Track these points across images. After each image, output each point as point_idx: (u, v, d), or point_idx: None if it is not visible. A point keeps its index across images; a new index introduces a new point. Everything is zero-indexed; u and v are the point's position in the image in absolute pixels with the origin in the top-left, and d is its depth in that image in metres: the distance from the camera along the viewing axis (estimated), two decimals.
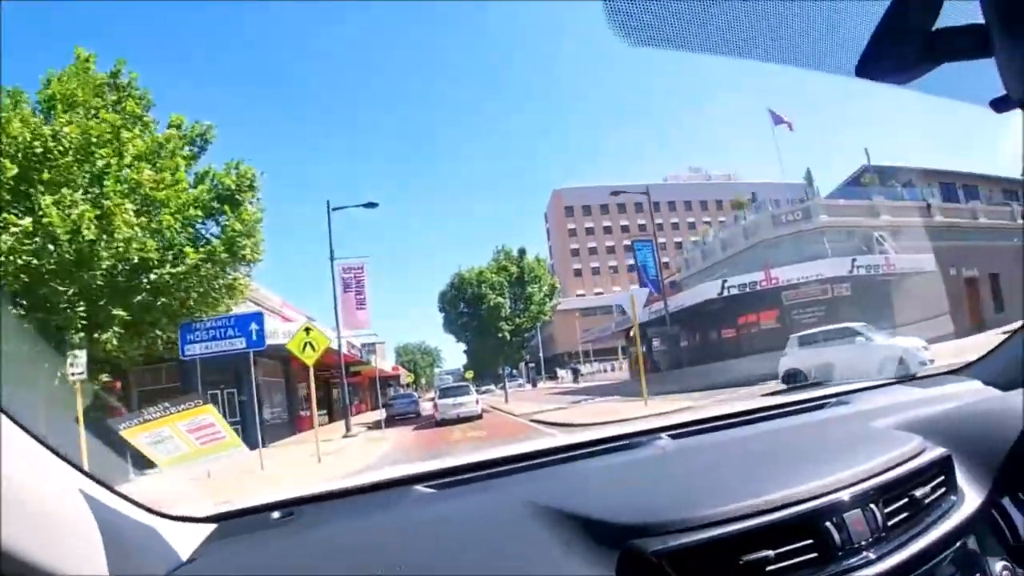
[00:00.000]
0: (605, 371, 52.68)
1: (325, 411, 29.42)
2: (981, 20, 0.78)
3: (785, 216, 27.12)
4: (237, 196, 12.50)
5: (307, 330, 13.92)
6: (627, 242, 27.01)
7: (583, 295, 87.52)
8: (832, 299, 24.72)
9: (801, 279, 23.58)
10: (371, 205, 23.19)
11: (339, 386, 36.40)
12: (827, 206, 26.88)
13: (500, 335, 27.38)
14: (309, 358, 13.39)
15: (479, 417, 19.54)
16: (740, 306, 24.97)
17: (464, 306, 29.63)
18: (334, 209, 22.18)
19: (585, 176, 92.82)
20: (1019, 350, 1.82)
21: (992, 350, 1.95)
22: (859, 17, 0.90)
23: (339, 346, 21.22)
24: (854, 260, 24.10)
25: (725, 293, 25.02)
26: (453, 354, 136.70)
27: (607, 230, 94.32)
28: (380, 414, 25.75)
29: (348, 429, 20.63)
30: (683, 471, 1.43)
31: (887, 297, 26.04)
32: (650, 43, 0.94)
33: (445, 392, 22.01)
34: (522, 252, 29.78)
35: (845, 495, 1.20)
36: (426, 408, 27.38)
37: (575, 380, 49.85)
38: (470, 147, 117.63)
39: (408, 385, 50.09)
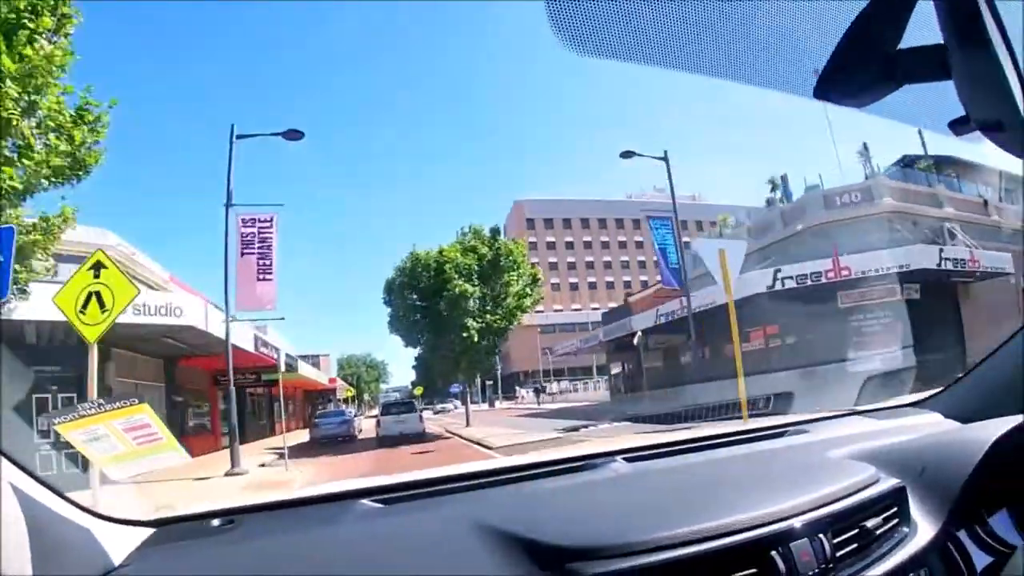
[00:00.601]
0: (573, 391, 45.76)
1: (226, 431, 21.73)
2: (941, 41, 0.77)
3: (840, 197, 20.98)
4: None
5: (96, 268, 6.34)
6: (643, 215, 19.24)
7: (541, 311, 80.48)
8: (896, 303, 18.43)
9: (878, 270, 17.19)
10: (293, 135, 15.92)
11: (250, 397, 28.89)
12: (892, 188, 20.87)
13: (465, 335, 20.14)
14: (91, 327, 6.88)
15: (422, 435, 19.12)
16: (776, 308, 18.37)
17: (418, 297, 22.15)
18: (239, 137, 15.62)
19: (544, 190, 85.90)
20: (980, 383, 1.82)
21: (953, 382, 1.94)
22: (818, 37, 0.89)
23: (226, 333, 13.82)
24: (941, 250, 17.92)
25: (778, 286, 18.38)
26: (402, 368, 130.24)
27: (569, 245, 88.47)
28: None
29: (234, 464, 13.16)
30: (635, 495, 1.41)
31: (955, 304, 20.17)
32: (596, 54, 0.90)
33: (388, 408, 21.22)
34: (495, 232, 22.73)
35: (794, 523, 1.18)
36: (369, 428, 25.12)
37: (538, 400, 44.52)
38: (429, 153, 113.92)
39: (347, 401, 42.22)
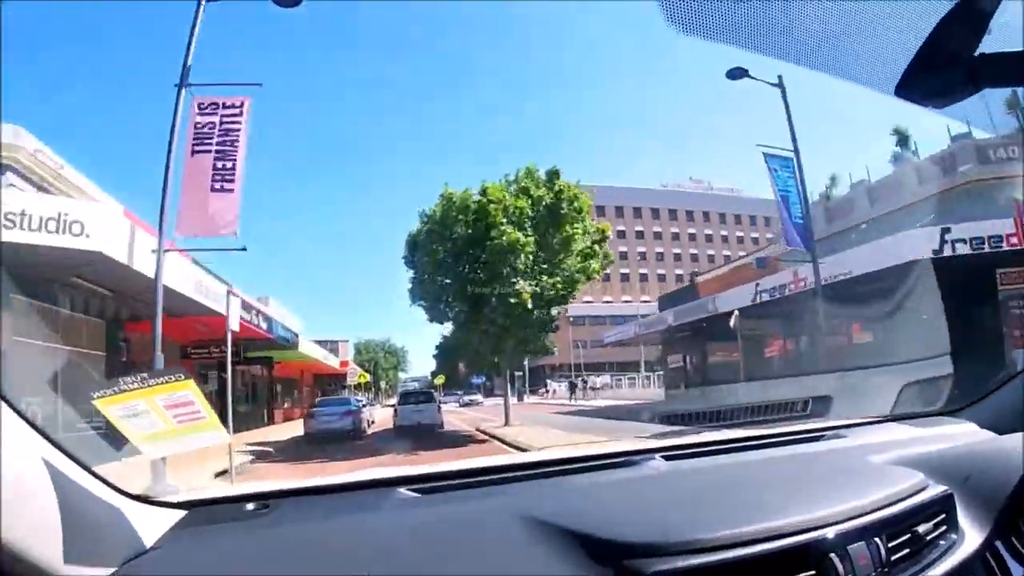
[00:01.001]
0: (615, 386, 41.42)
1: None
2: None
3: (995, 151, 16.95)
4: None
5: None
6: (759, 150, 12.96)
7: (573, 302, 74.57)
8: None
9: None
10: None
11: (241, 379, 23.90)
12: None
13: (514, 301, 14.61)
14: None
15: (440, 427, 18.06)
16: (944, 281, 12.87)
17: (450, 252, 16.57)
18: None
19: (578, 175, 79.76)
20: (1015, 394, 1.82)
21: (988, 393, 1.94)
22: (904, 37, 0.90)
23: (157, 264, 8.34)
24: None
25: (947, 251, 13.44)
26: (422, 356, 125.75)
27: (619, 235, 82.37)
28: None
29: (157, 478, 7.41)
30: (679, 493, 1.40)
31: None
32: (699, 33, 0.93)
33: (406, 397, 20.28)
34: (554, 173, 17.10)
35: (849, 527, 1.18)
36: (384, 419, 23.23)
37: (571, 396, 39.17)
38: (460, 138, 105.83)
39: (356, 388, 37.15)
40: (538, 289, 15.10)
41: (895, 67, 0.87)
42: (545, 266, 15.75)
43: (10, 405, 0.90)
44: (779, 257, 22.20)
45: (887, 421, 2.07)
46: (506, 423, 17.56)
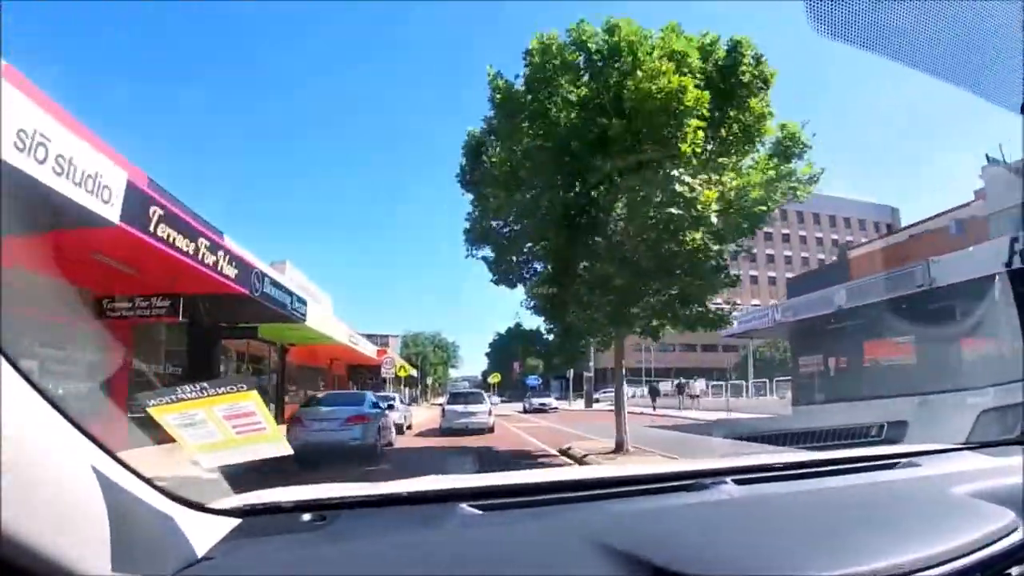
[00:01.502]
0: (710, 395, 33.51)
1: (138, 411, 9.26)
2: None
3: None
4: None
5: None
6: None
7: None
8: None
9: None
10: None
11: (238, 361, 17.29)
12: None
13: (676, 211, 6.84)
14: None
15: (491, 430, 16.78)
16: None
17: (550, 135, 9.06)
18: None
19: None
20: None
21: None
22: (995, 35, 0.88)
23: None
24: None
25: None
26: (474, 354, 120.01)
27: None
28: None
29: None
30: (751, 522, 1.32)
31: None
32: (845, 39, 0.93)
33: (455, 397, 18.77)
34: (738, 45, 9.26)
35: (946, 571, 1.12)
36: (424, 421, 21.63)
37: (654, 403, 30.93)
38: None
39: (397, 382, 30.68)
40: (718, 196, 7.53)
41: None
42: (723, 170, 8.21)
43: (62, 413, 0.89)
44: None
45: (962, 449, 1.97)
46: (622, 448, 10.17)
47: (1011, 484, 1.49)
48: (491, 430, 16.81)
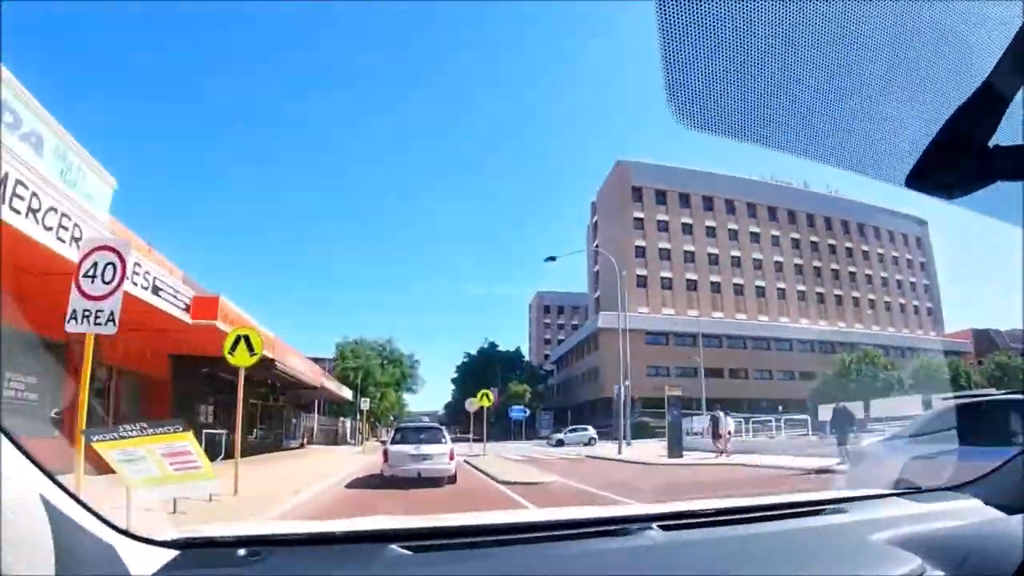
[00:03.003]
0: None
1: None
2: None
3: None
4: None
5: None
6: None
7: (644, 311, 55.90)
8: None
9: None
10: None
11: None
12: None
13: None
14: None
15: (452, 481, 12.99)
16: None
17: None
18: None
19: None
20: (1021, 472, 1.78)
21: (994, 469, 1.89)
22: (917, 128, 0.92)
23: None
24: None
25: None
26: (439, 376, 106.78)
27: (687, 229, 62.88)
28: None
29: None
30: (677, 569, 1.40)
31: None
32: (705, 129, 0.98)
33: (404, 434, 13.93)
34: None
35: None
36: (359, 469, 16.86)
37: (718, 446, 22.79)
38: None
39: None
40: None
41: (907, 158, 0.90)
42: None
43: (10, 439, 0.94)
44: None
45: (890, 495, 2.05)
46: None
47: (927, 530, 1.60)
48: (452, 479, 13.12)
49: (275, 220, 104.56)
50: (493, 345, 68.35)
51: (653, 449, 25.46)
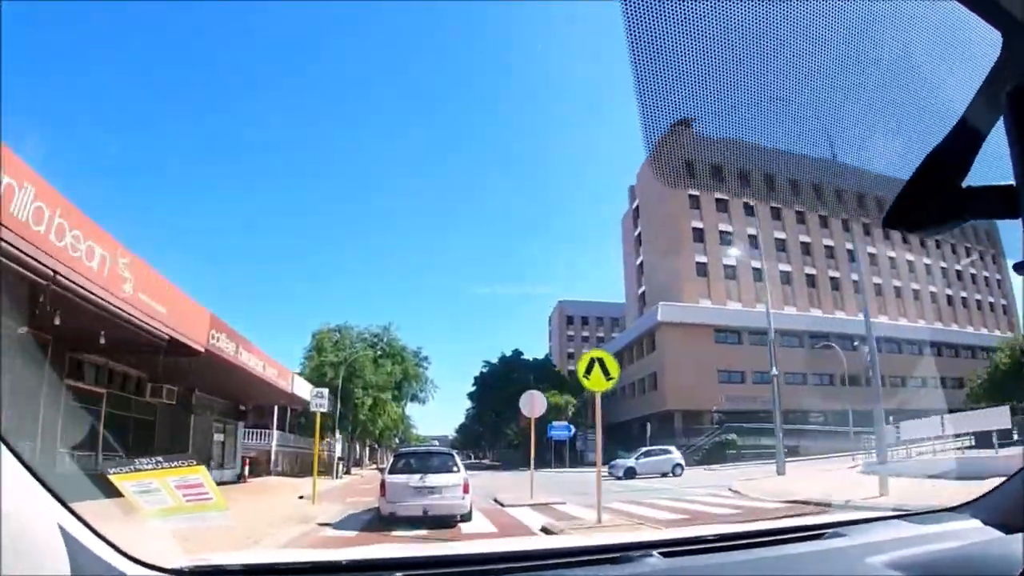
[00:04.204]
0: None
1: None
2: (1011, 181, 0.79)
3: None
4: None
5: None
6: None
7: (707, 301, 46.12)
8: None
9: None
10: None
11: None
12: None
13: None
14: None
15: (468, 517, 10.89)
16: None
17: None
18: None
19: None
20: (1020, 491, 1.80)
21: (993, 489, 1.92)
22: (890, 169, 0.94)
23: None
24: None
25: None
26: (454, 382, 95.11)
27: (749, 210, 53.02)
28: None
29: None
30: None
31: None
32: (687, 185, 1.00)
33: (406, 461, 11.46)
34: None
35: None
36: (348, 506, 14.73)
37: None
38: None
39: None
40: None
41: (883, 196, 0.90)
42: None
43: (30, 471, 1.01)
44: None
45: (891, 518, 2.10)
46: None
47: (927, 551, 1.64)
48: (467, 517, 11.01)
49: (275, 220, 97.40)
50: (518, 353, 58.65)
51: (819, 474, 18.04)
